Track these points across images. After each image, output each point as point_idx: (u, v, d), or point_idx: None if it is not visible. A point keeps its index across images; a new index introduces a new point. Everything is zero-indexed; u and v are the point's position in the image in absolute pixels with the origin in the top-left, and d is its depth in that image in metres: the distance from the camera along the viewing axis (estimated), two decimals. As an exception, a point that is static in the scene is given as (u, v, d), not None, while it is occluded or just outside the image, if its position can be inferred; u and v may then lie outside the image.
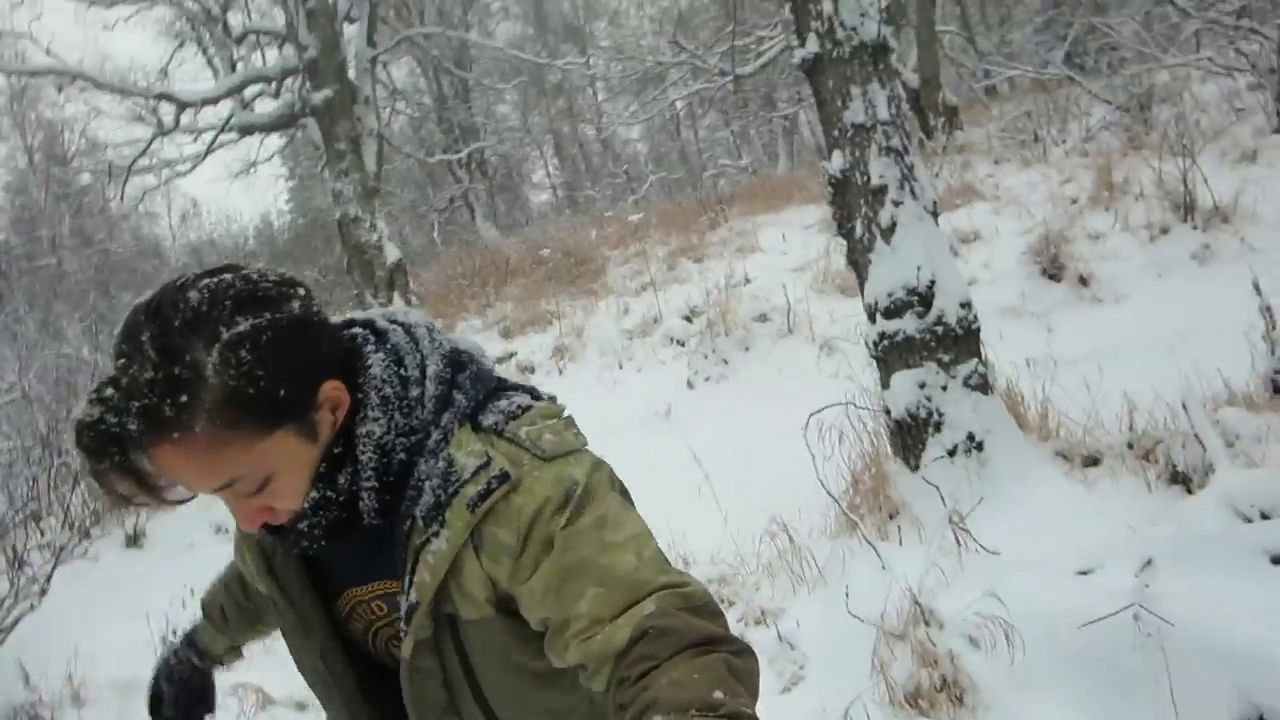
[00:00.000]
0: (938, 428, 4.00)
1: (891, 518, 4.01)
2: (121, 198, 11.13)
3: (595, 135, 26.47)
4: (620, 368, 8.57)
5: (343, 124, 9.63)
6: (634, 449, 6.53)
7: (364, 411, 1.03)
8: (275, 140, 13.13)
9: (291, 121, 10.21)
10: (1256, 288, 3.87)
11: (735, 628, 3.49)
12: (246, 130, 10.30)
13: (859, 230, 4.08)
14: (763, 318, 8.31)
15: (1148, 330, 5.64)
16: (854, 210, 4.08)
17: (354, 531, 1.06)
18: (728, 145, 23.57)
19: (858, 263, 4.19)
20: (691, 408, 7.37)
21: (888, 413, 4.16)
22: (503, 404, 1.10)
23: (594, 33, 25.18)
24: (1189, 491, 3.38)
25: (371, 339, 1.10)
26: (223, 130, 10.08)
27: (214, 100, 10.01)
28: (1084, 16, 14.60)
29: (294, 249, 18.02)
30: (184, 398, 0.89)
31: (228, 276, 0.95)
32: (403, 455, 1.05)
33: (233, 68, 11.02)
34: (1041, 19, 19.78)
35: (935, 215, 4.09)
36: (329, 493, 1.02)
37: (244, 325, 0.92)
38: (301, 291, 0.99)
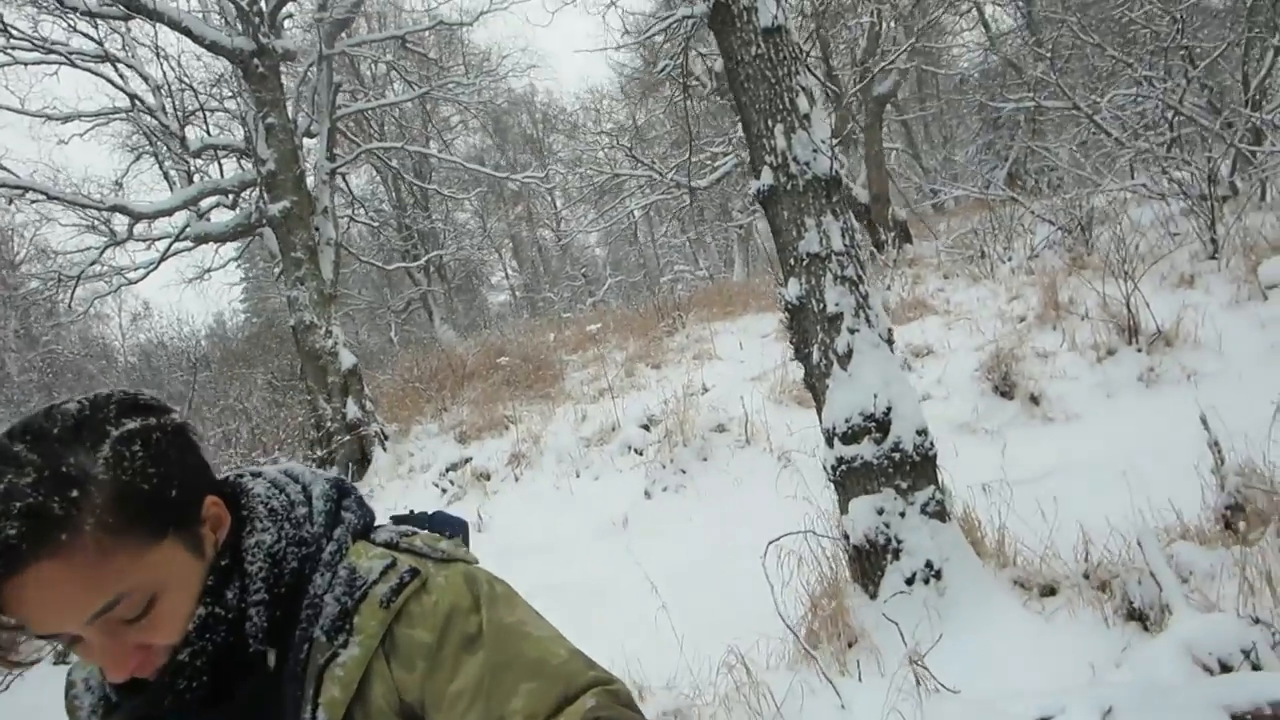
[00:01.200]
0: (896, 555, 3.96)
1: (850, 646, 3.93)
2: (70, 304, 10.96)
3: (554, 240, 26.86)
4: (577, 476, 8.47)
5: (300, 233, 9.65)
6: (588, 565, 6.46)
7: (251, 525, 1.01)
8: (230, 247, 13.12)
9: (248, 231, 10.21)
10: (1204, 422, 3.95)
11: (690, 770, 3.36)
12: (201, 240, 10.28)
13: (816, 356, 4.12)
14: (720, 428, 8.30)
15: (1099, 452, 5.73)
16: (810, 336, 4.13)
17: (233, 685, 0.97)
18: (684, 251, 24.02)
19: (815, 387, 4.21)
20: (648, 519, 7.28)
21: (846, 538, 4.12)
22: (391, 526, 1.11)
23: (552, 145, 25.82)
24: (1145, 629, 3.37)
25: (247, 474, 1.09)
26: (177, 239, 10.04)
27: (169, 212, 10.00)
28: (1023, 140, 15.28)
29: (247, 351, 17.80)
30: (73, 493, 0.83)
31: (104, 391, 0.93)
32: (295, 564, 1.01)
33: (189, 179, 11.07)
34: (982, 140, 20.69)
35: (890, 343, 4.15)
36: (216, 609, 0.95)
37: (133, 424, 0.90)
38: (178, 410, 0.98)
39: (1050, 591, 3.99)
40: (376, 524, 1.12)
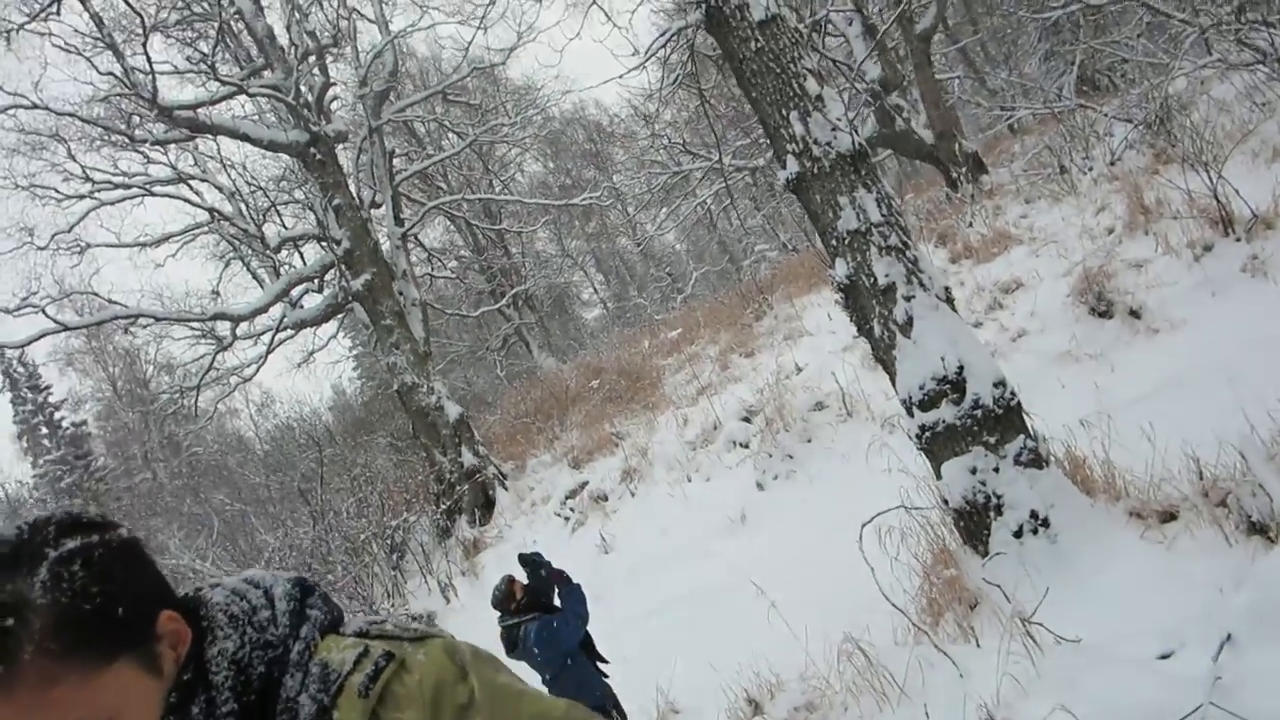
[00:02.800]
0: (999, 510, 3.92)
1: (972, 609, 3.90)
2: (195, 411, 11.77)
3: (633, 246, 27.09)
4: (689, 480, 8.58)
5: (385, 301, 10.10)
6: (712, 569, 6.54)
7: (212, 635, 0.97)
8: (329, 327, 13.82)
9: (339, 310, 10.75)
10: (1294, 312, 3.75)
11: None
12: (299, 326, 10.87)
13: (877, 330, 4.11)
14: (819, 406, 8.27)
15: (1207, 358, 5.48)
16: (868, 312, 4.12)
17: None
18: (762, 231, 23.85)
19: (883, 360, 4.20)
20: (763, 510, 7.33)
21: (945, 503, 4.10)
22: (362, 617, 1.08)
23: (612, 154, 26.05)
24: (1271, 541, 3.24)
25: (206, 586, 1.04)
26: (278, 331, 10.67)
27: (263, 309, 10.63)
28: (1086, 40, 14.59)
29: (367, 417, 18.61)
30: (9, 621, 0.80)
31: (44, 513, 0.89)
32: (262, 669, 0.97)
33: (276, 273, 11.73)
34: (1045, 48, 19.83)
35: (950, 301, 4.10)
36: None
37: (73, 544, 0.86)
38: (126, 525, 0.94)
39: (1170, 517, 3.87)
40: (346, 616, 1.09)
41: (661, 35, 4.59)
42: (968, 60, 23.68)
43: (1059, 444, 4.43)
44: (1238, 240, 6.83)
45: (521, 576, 4.49)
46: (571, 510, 9.10)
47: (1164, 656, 2.68)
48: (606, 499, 9.15)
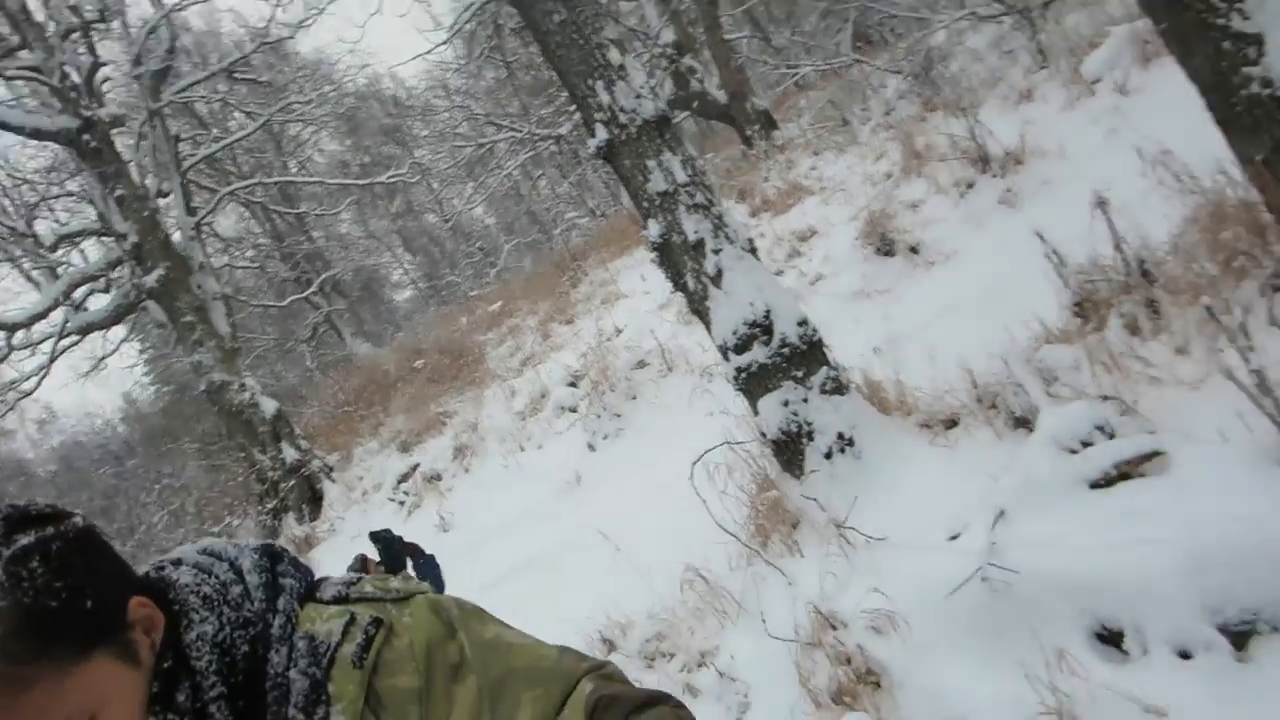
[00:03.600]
0: (810, 436, 4.32)
1: (795, 527, 4.30)
2: (-33, 433, 10.73)
3: (442, 223, 26.64)
4: (522, 450, 8.73)
5: (183, 297, 9.58)
6: (553, 531, 6.75)
7: (187, 619, 0.93)
8: (120, 329, 12.88)
9: (130, 309, 10.08)
10: (1040, 237, 4.33)
11: (680, 676, 3.72)
12: (85, 330, 10.11)
13: (691, 284, 4.41)
14: (641, 364, 8.61)
15: (976, 283, 6.15)
16: (682, 267, 4.41)
17: None
18: (570, 198, 24.05)
19: (699, 311, 4.51)
20: (597, 469, 7.60)
21: (764, 435, 4.47)
22: (335, 579, 1.06)
23: (411, 129, 25.43)
24: (1030, 430, 3.77)
25: (167, 564, 1.01)
26: (61, 338, 9.88)
27: (42, 314, 9.80)
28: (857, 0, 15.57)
29: (168, 424, 17.52)
30: None
31: None
32: (245, 648, 0.94)
33: (54, 274, 10.83)
34: (822, 6, 20.91)
35: (754, 252, 4.44)
36: (169, 716, 0.89)
37: (27, 540, 0.82)
38: (79, 513, 0.90)
39: (953, 424, 4.39)
40: (318, 578, 1.06)
41: (466, 10, 4.64)
42: (754, 21, 24.63)
43: (857, 372, 4.90)
44: (994, 176, 7.64)
45: (374, 555, 4.52)
46: (406, 494, 9.06)
47: (953, 537, 3.11)
48: (440, 478, 9.16)
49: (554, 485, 7.55)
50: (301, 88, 16.04)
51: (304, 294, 17.80)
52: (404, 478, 9.34)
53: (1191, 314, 3.48)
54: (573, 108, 16.00)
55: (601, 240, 16.09)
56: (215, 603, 0.95)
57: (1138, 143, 4.41)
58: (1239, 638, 2.00)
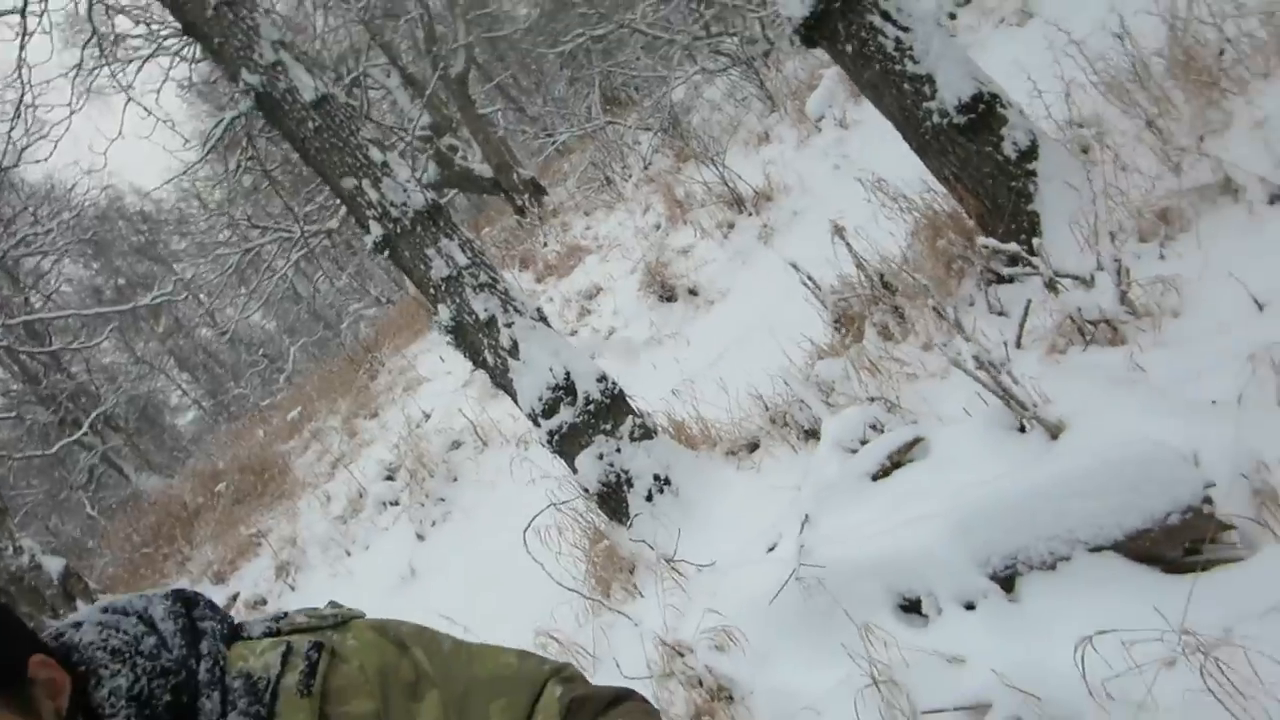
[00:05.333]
0: (629, 483, 4.58)
1: (631, 572, 4.53)
2: None
3: (216, 337, 25.32)
4: (348, 554, 8.49)
5: (-63, 463, 8.68)
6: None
7: (96, 677, 0.88)
8: None
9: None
10: (795, 267, 4.83)
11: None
12: None
13: (491, 360, 4.59)
14: (456, 444, 8.63)
15: (751, 314, 6.68)
16: (478, 345, 4.58)
17: None
18: (352, 289, 23.55)
19: (502, 385, 4.69)
20: (431, 557, 7.52)
21: (586, 491, 4.69)
22: (259, 619, 1.01)
23: (167, 243, 24.15)
24: (817, 439, 4.20)
25: (66, 628, 0.95)
26: None
27: None
28: (598, 64, 16.41)
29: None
30: None
31: None
32: (168, 698, 0.89)
33: None
34: (567, 74, 21.79)
35: (544, 319, 4.69)
36: None
37: None
38: None
39: (754, 447, 4.78)
40: (239, 622, 1.01)
41: (216, 126, 4.66)
42: (505, 94, 25.27)
43: (662, 415, 5.22)
44: (750, 215, 8.32)
45: None
46: (231, 623, 8.56)
47: (771, 549, 3.43)
48: (265, 602, 8.73)
49: (388, 583, 7.41)
50: (36, 217, 14.97)
51: (73, 437, 16.40)
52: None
53: (929, 314, 4.03)
54: (338, 201, 15.85)
55: (392, 328, 15.92)
56: (126, 655, 0.90)
57: (856, 174, 5.01)
58: (1006, 582, 2.39)
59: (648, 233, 9.90)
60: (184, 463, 18.16)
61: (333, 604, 1.08)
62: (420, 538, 7.83)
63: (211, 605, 1.01)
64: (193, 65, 9.33)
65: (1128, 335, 2.83)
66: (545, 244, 12.78)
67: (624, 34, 13.45)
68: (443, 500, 8.04)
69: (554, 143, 16.79)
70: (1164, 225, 3.12)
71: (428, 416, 9.59)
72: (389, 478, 8.82)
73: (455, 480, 8.17)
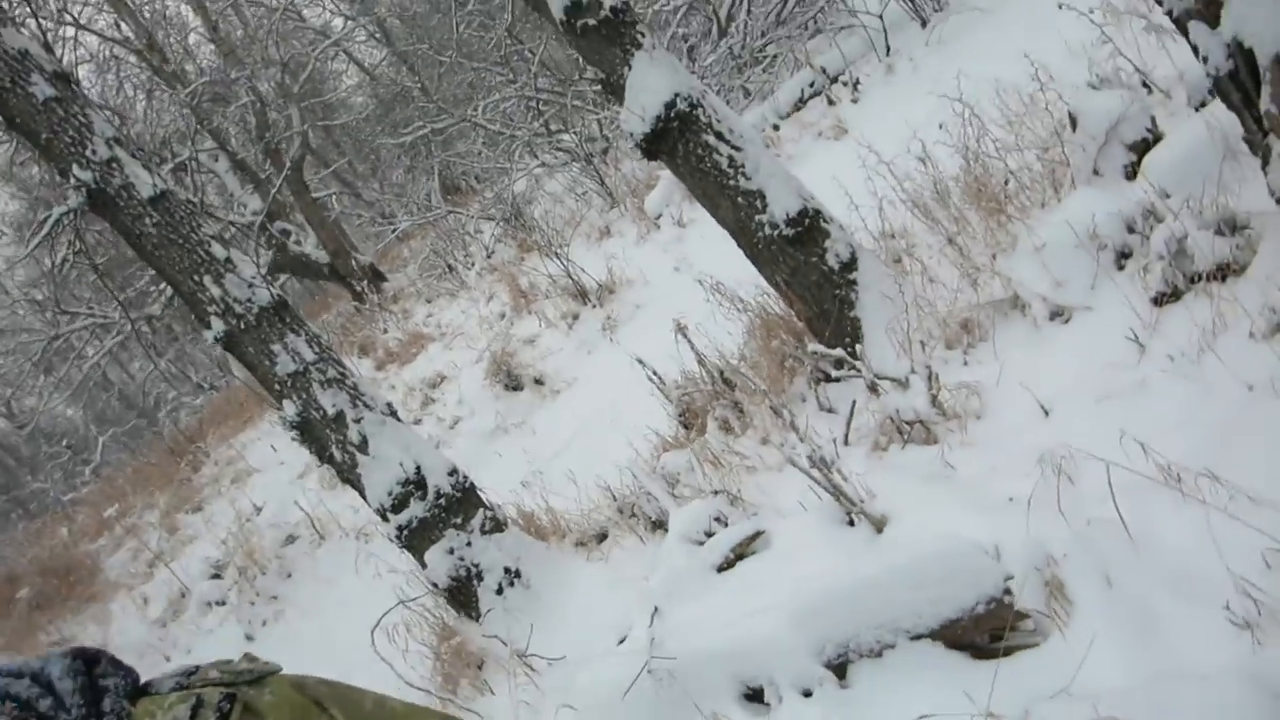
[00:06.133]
0: (480, 577, 4.59)
1: (480, 668, 4.50)
2: None
3: (13, 429, 23.21)
4: (168, 660, 7.92)
5: None
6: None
7: None
8: None
9: None
10: (640, 362, 5.06)
11: None
12: None
13: (338, 455, 4.53)
14: (290, 539, 8.30)
15: (596, 406, 6.86)
16: (326, 441, 4.52)
17: None
18: (171, 375, 22.26)
19: (350, 480, 4.63)
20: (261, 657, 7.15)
21: (435, 586, 4.65)
22: (169, 673, 0.99)
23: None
24: (665, 530, 4.37)
25: None
26: None
27: None
28: (438, 153, 16.55)
29: None
30: None
31: None
32: None
33: None
34: (405, 162, 21.81)
35: (394, 414, 4.69)
36: None
37: None
38: None
39: (603, 537, 4.90)
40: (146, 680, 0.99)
41: (43, 222, 4.47)
42: (340, 179, 24.95)
43: (511, 507, 5.27)
44: (594, 307, 8.58)
45: None
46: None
47: (621, 641, 3.53)
48: (70, 717, 7.97)
49: (214, 692, 6.95)
50: None
51: None
52: (20, 732, 7.98)
53: (765, 410, 4.31)
54: (162, 284, 15.09)
55: (219, 415, 15.17)
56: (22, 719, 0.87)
57: (696, 275, 5.33)
58: (839, 669, 2.59)
59: (492, 321, 9.98)
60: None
61: (249, 657, 1.07)
62: (249, 638, 7.42)
63: (114, 661, 1.00)
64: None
65: (939, 435, 3.17)
66: (385, 331, 12.62)
67: (464, 125, 13.68)
68: (275, 598, 7.68)
69: (394, 230, 16.67)
70: (966, 334, 3.53)
71: (259, 509, 9.17)
72: (215, 575, 8.35)
73: (290, 576, 7.84)
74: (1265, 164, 2.31)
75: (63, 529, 13.95)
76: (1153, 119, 3.45)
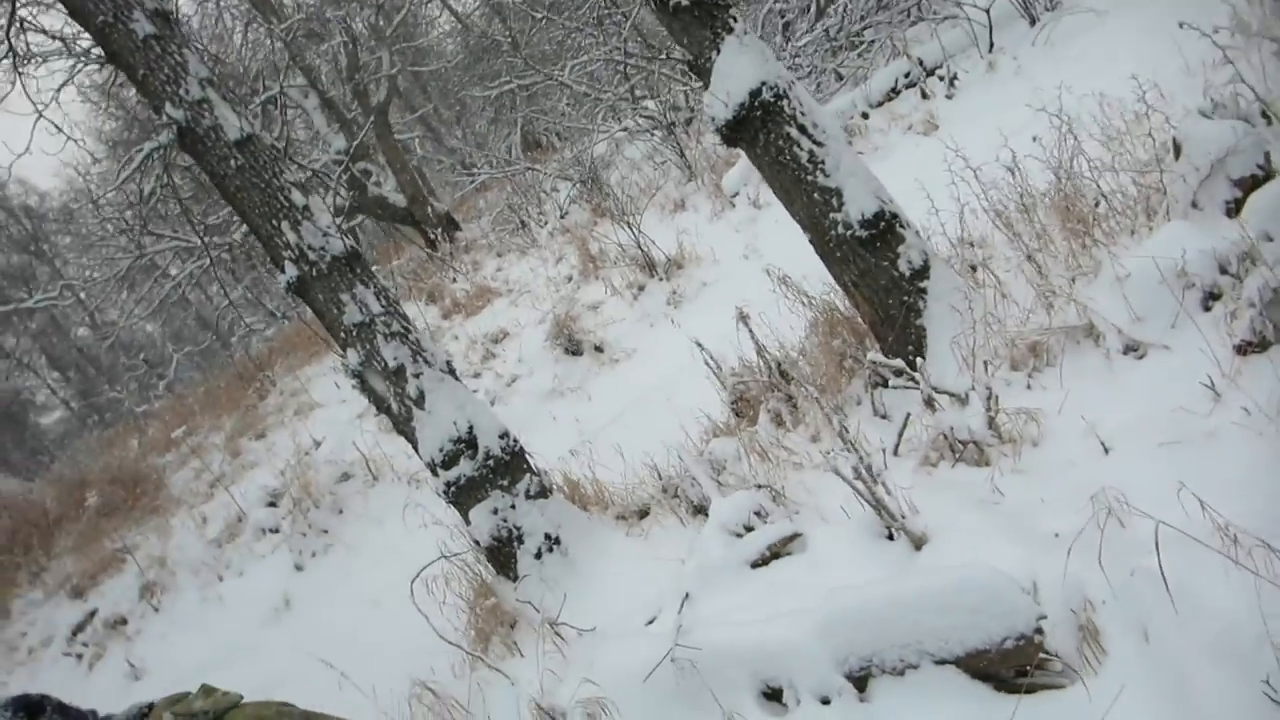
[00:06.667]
0: (520, 540, 4.67)
1: (513, 628, 4.60)
2: None
3: (96, 339, 24.18)
4: (221, 579, 8.25)
5: None
6: (266, 663, 6.49)
7: None
8: None
9: None
10: (699, 345, 5.05)
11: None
12: None
13: (395, 407, 4.63)
14: (345, 476, 8.52)
15: (653, 379, 6.88)
16: (384, 392, 4.62)
17: None
18: (246, 303, 22.89)
19: (404, 432, 4.73)
20: (308, 591, 7.39)
21: (478, 544, 4.75)
22: (120, 714, 1.00)
23: (50, 236, 23.02)
24: (705, 516, 4.38)
25: None
26: None
27: None
28: (522, 109, 16.59)
29: None
30: None
31: None
32: None
33: None
34: (489, 114, 21.91)
35: (453, 372, 4.76)
36: None
37: None
38: None
39: (644, 514, 4.94)
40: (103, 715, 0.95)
41: (134, 157, 4.62)
42: (425, 124, 25.20)
43: (558, 473, 5.34)
44: (661, 280, 8.58)
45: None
46: (85, 645, 8.17)
47: (650, 622, 3.58)
48: (126, 622, 8.37)
49: (260, 613, 7.25)
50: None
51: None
52: (79, 627, 8.41)
53: (819, 408, 4.28)
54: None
55: (288, 346, 15.56)
56: None
57: (764, 263, 5.28)
58: (860, 682, 2.59)
59: (559, 283, 10.04)
60: (47, 466, 17.22)
61: (205, 689, 1.04)
62: (299, 568, 7.68)
63: (62, 708, 0.96)
64: (101, 72, 9.02)
65: (992, 458, 3.12)
66: (455, 281, 12.77)
67: (551, 84, 13.66)
68: (325, 532, 7.92)
69: (473, 181, 16.80)
70: (1033, 358, 3.44)
71: (318, 444, 9.43)
72: (271, 504, 8.63)
73: (341, 513, 8.07)
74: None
75: (133, 440, 14.53)
76: (1267, 155, 3.28)
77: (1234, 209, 3.22)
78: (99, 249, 16.70)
